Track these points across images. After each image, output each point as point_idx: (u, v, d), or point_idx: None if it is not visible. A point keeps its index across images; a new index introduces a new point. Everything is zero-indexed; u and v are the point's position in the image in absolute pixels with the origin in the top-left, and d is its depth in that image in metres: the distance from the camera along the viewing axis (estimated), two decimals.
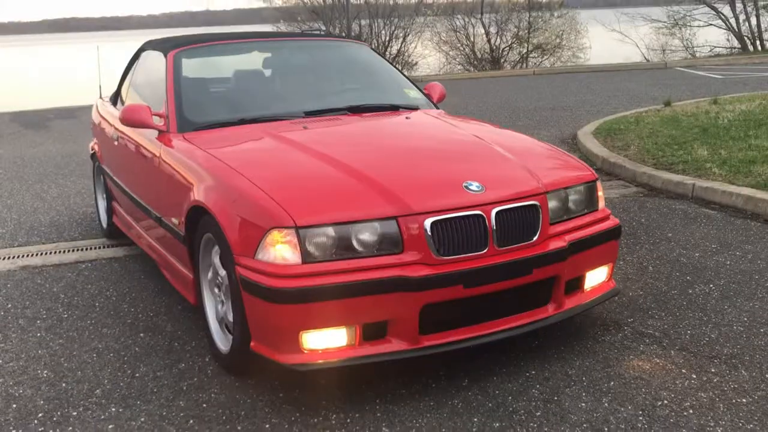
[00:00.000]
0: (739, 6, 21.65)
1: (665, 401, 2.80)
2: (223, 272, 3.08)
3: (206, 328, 3.31)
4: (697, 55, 21.65)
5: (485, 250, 2.85)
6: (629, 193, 6.10)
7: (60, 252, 5.07)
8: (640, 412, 2.72)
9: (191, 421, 2.80)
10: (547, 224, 3.02)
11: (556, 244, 3.03)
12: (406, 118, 3.94)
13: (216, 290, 3.23)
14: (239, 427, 2.74)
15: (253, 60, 4.37)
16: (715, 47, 22.15)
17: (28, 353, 3.45)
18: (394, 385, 2.98)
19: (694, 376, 2.98)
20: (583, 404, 2.79)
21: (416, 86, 4.48)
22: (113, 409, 2.91)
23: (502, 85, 15.67)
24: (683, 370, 3.03)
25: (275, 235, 2.70)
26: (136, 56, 4.86)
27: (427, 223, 2.77)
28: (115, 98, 5.08)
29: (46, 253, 5.05)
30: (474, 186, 2.94)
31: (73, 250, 5.10)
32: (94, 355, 3.41)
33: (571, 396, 2.86)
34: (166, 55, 4.09)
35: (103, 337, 3.61)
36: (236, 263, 2.82)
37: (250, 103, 4.02)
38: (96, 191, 5.61)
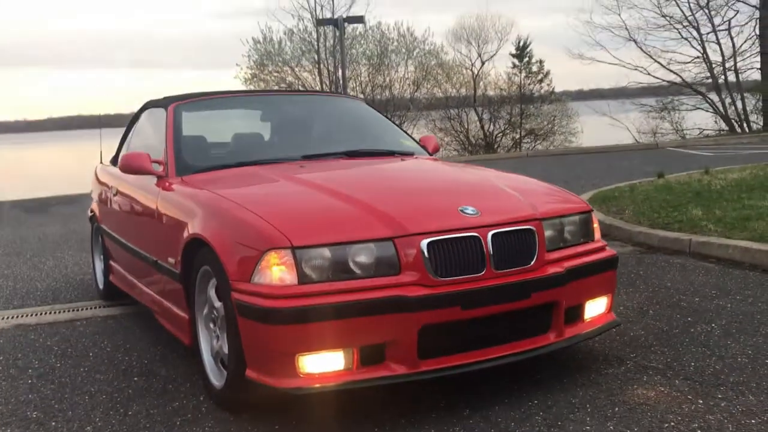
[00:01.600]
0: (724, 91, 22.32)
1: (672, 423, 2.72)
2: (218, 304, 3.05)
3: (201, 366, 3.24)
4: (687, 136, 22.12)
5: (482, 273, 2.84)
6: (626, 251, 6.11)
7: (55, 312, 5.02)
8: None
9: None
10: (543, 250, 3.03)
11: (553, 270, 3.02)
12: (402, 160, 4.01)
13: (211, 325, 3.19)
14: None
15: (251, 114, 4.47)
16: (704, 130, 22.66)
17: (18, 398, 3.37)
18: (393, 415, 2.90)
19: (701, 401, 2.91)
20: (588, 428, 2.71)
21: (411, 137, 4.58)
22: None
23: (495, 165, 15.90)
24: (689, 396, 2.96)
25: (272, 256, 2.70)
26: (136, 117, 4.98)
27: (424, 243, 2.77)
28: (116, 159, 5.16)
29: (41, 314, 5.00)
30: (469, 210, 2.96)
31: (68, 311, 5.06)
32: (86, 397, 3.33)
33: (575, 421, 2.78)
34: (166, 109, 4.19)
35: (96, 382, 3.53)
36: (233, 289, 2.80)
37: (249, 149, 4.09)
38: (93, 253, 5.61)
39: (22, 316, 4.98)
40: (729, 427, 2.67)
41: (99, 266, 5.43)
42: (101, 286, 5.34)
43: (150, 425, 2.96)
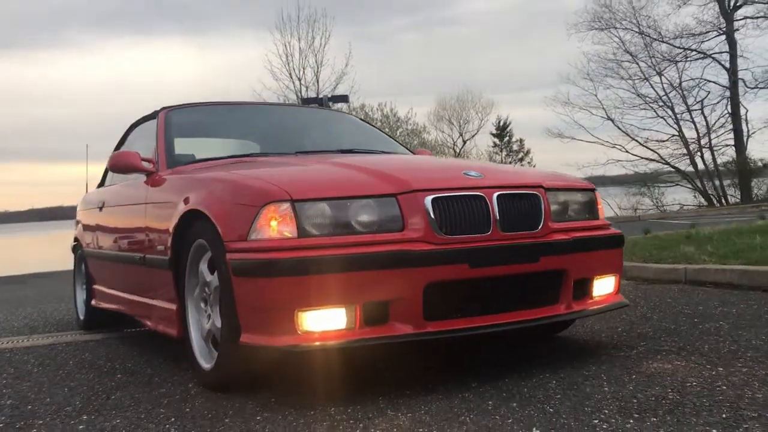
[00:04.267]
0: (701, 167, 22.77)
1: (694, 383, 2.57)
2: (210, 277, 2.91)
3: (190, 351, 3.05)
4: (667, 210, 22.40)
5: (489, 233, 2.74)
6: (622, 284, 5.99)
7: (33, 339, 4.78)
8: (669, 390, 2.48)
9: (173, 419, 2.50)
10: (549, 218, 2.94)
11: (560, 237, 2.93)
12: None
13: (202, 305, 3.03)
14: (227, 420, 2.44)
15: (243, 121, 4.41)
16: (684, 205, 22.97)
17: None
18: (397, 388, 2.72)
19: (721, 369, 2.76)
20: (606, 389, 2.55)
21: (406, 147, 4.54)
22: (85, 417, 2.60)
23: None
24: (707, 366, 2.81)
25: (270, 210, 2.58)
26: (125, 136, 4.91)
27: (428, 200, 2.67)
28: (103, 179, 5.08)
29: (17, 341, 4.75)
30: (473, 173, 2.89)
31: (47, 338, 4.82)
32: (65, 389, 3.11)
33: (592, 385, 2.61)
34: (157, 115, 4.14)
35: (76, 380, 3.31)
36: (228, 250, 2.66)
37: (241, 146, 4.02)
38: (75, 284, 5.43)
39: None
40: (755, 383, 2.52)
41: (80, 296, 5.25)
42: (82, 317, 5.13)
43: (134, 405, 2.74)
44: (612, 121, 23.40)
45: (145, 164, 3.74)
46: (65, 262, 5.63)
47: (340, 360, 2.91)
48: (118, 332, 4.72)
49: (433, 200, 2.68)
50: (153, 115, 4.29)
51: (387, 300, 2.57)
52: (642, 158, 23.36)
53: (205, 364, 2.94)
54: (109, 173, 5.04)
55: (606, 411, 2.27)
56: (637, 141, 23.38)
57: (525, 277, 2.81)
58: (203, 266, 2.98)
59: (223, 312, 2.72)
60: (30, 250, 32.93)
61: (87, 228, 5.00)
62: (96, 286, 4.76)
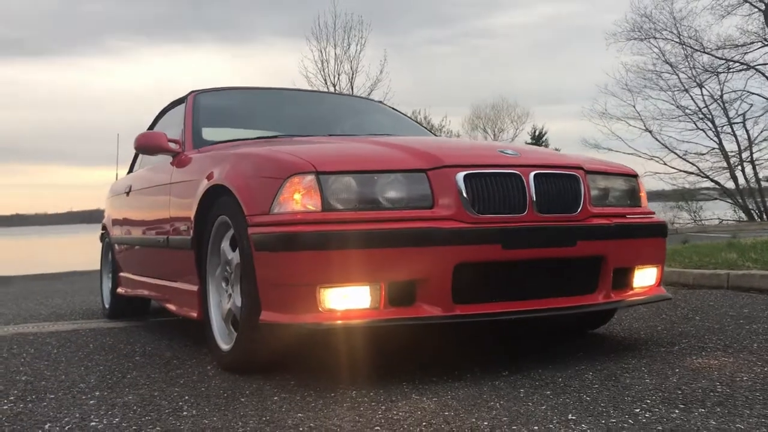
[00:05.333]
0: (742, 182, 22.24)
1: (744, 378, 2.38)
2: (232, 255, 2.80)
3: (209, 333, 2.95)
4: (706, 224, 21.89)
5: (524, 214, 2.59)
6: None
7: (58, 325, 4.73)
8: (718, 384, 2.30)
9: (186, 397, 2.39)
10: (588, 202, 2.77)
11: (600, 221, 2.76)
12: None
13: (223, 284, 2.92)
14: (243, 399, 2.32)
15: (273, 106, 4.32)
16: (724, 220, 22.43)
17: (8, 369, 3.06)
18: (423, 374, 2.57)
19: None
20: (648, 380, 2.37)
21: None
22: (97, 393, 2.51)
23: None
24: (758, 362, 2.62)
25: (294, 182, 2.46)
26: (155, 121, 4.86)
27: (460, 176, 2.53)
28: (132, 165, 5.04)
29: (42, 327, 4.70)
30: (509, 151, 2.74)
31: (71, 324, 4.77)
32: (82, 368, 3.02)
33: (632, 377, 2.44)
34: (186, 99, 4.07)
35: (93, 360, 3.22)
36: (250, 225, 2.55)
37: (270, 127, 3.92)
38: (102, 273, 5.38)
39: (23, 328, 4.69)
40: None
41: (107, 285, 5.19)
42: (107, 305, 5.08)
43: (149, 384, 2.64)
44: (650, 132, 22.96)
45: (171, 145, 3.66)
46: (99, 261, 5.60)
47: (363, 344, 2.78)
48: (143, 321, 4.66)
49: (466, 177, 2.54)
50: (182, 100, 4.22)
51: (414, 280, 2.43)
52: (680, 171, 22.86)
53: (225, 346, 2.83)
54: (138, 160, 4.99)
55: (648, 401, 2.10)
56: (675, 153, 22.90)
57: (561, 262, 2.65)
58: (225, 244, 2.87)
59: (244, 289, 2.61)
60: (66, 251, 33.39)
61: (114, 215, 4.95)
62: (122, 274, 4.70)
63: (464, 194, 2.52)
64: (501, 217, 2.55)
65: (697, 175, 22.90)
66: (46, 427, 2.08)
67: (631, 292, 2.90)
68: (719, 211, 22.95)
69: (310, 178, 2.46)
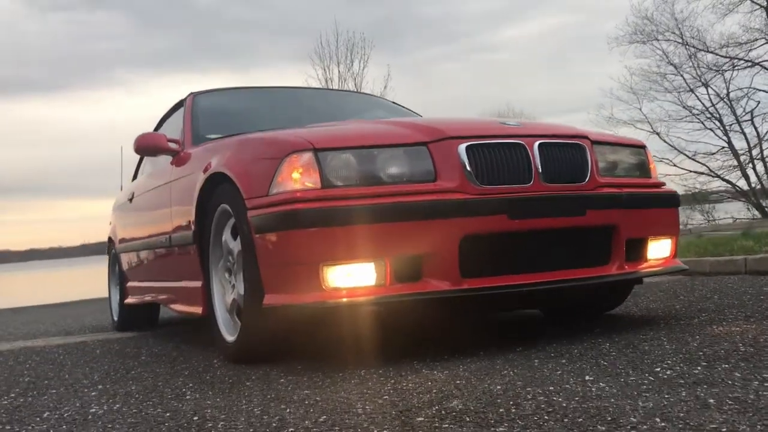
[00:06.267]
0: (754, 179, 22.01)
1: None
2: (233, 244, 2.74)
3: (214, 325, 2.88)
4: (719, 223, 21.66)
5: (530, 184, 2.51)
6: (674, 279, 5.66)
7: (67, 338, 4.67)
8: (740, 345, 2.20)
9: (190, 384, 2.32)
10: (596, 170, 2.70)
11: (610, 190, 2.69)
12: None
13: (227, 275, 2.86)
14: (248, 383, 2.24)
15: (271, 104, 4.27)
16: (737, 219, 22.18)
17: (12, 372, 3.01)
18: (433, 353, 2.49)
19: None
20: (668, 347, 2.28)
21: None
22: (100, 387, 2.44)
23: None
24: None
25: (292, 160, 2.40)
26: (157, 128, 4.82)
27: (462, 147, 2.46)
28: (135, 173, 5.01)
29: (50, 341, 4.65)
30: (512, 122, 2.68)
31: (80, 337, 4.71)
32: (87, 368, 2.96)
33: (650, 344, 2.35)
34: (185, 100, 4.04)
35: (98, 363, 3.16)
36: (249, 208, 2.49)
37: (270, 125, 3.86)
38: (110, 285, 5.34)
39: (30, 342, 4.64)
40: None
41: (115, 297, 5.15)
42: (116, 318, 5.03)
43: (153, 376, 2.57)
44: (658, 135, 22.79)
45: (171, 145, 3.62)
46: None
47: (370, 326, 2.70)
48: (152, 331, 4.60)
49: (468, 148, 2.47)
50: (182, 103, 4.19)
51: (419, 254, 2.36)
52: (690, 171, 22.65)
53: (230, 337, 2.76)
54: (141, 167, 4.94)
55: (669, 362, 2.01)
56: (685, 154, 22.69)
57: (571, 231, 2.57)
58: (227, 234, 2.81)
59: (246, 276, 2.54)
60: (79, 282, 33.44)
61: (118, 224, 4.91)
62: (128, 284, 4.65)
63: (467, 166, 2.45)
64: (506, 188, 2.48)
65: (708, 174, 22.68)
66: (45, 415, 2.01)
67: (645, 264, 2.81)
68: (733, 211, 22.72)
69: (308, 156, 2.40)
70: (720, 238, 7.81)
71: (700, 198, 22.91)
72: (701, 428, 1.32)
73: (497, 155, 2.50)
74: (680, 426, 1.35)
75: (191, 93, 4.08)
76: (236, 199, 2.61)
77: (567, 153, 2.63)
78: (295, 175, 2.39)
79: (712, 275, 5.54)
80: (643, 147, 3.05)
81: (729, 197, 23.00)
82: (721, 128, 22.74)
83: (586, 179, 2.64)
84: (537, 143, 2.57)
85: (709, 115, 22.73)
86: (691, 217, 22.70)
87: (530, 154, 2.54)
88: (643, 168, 2.99)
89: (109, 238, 5.28)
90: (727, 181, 22.84)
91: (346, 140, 2.48)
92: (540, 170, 2.54)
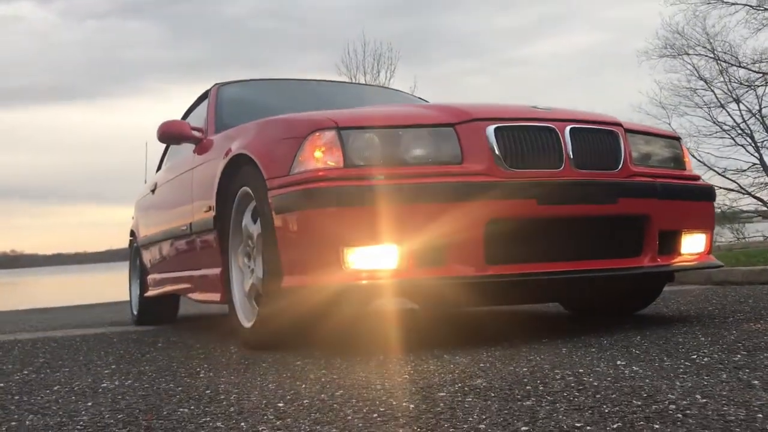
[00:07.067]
0: None
1: None
2: (253, 227, 2.68)
3: (232, 311, 2.82)
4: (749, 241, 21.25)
5: (560, 169, 2.42)
6: (705, 288, 5.50)
7: (86, 330, 4.65)
8: None
9: (205, 365, 2.26)
10: (629, 158, 2.60)
11: (643, 179, 2.59)
12: None
13: (246, 260, 2.80)
14: (264, 365, 2.17)
15: (296, 96, 4.23)
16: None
17: (27, 356, 2.97)
18: (455, 342, 2.40)
19: None
20: (703, 339, 2.17)
21: None
22: (113, 366, 2.39)
23: None
24: None
25: (314, 138, 2.34)
26: (183, 118, 4.79)
27: (490, 129, 2.38)
28: (159, 164, 5.00)
29: (69, 332, 4.63)
30: (543, 107, 2.59)
31: (99, 329, 4.68)
32: (102, 353, 2.92)
33: (684, 337, 2.24)
34: (210, 91, 4.01)
35: (115, 349, 3.11)
36: (270, 188, 2.43)
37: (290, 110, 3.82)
38: (131, 279, 5.32)
39: (50, 333, 4.62)
40: None
41: (135, 291, 5.12)
42: (135, 312, 5.00)
43: (168, 359, 2.51)
44: (687, 150, 22.47)
45: (194, 133, 3.58)
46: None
47: (392, 317, 2.62)
48: (171, 324, 4.56)
49: (497, 129, 2.39)
50: (207, 94, 4.16)
51: (443, 238, 2.27)
52: (720, 188, 22.26)
53: (247, 323, 2.69)
54: (165, 160, 4.91)
55: (705, 350, 1.91)
56: (714, 171, 22.33)
57: (602, 220, 2.48)
58: (247, 218, 2.76)
59: (265, 257, 2.48)
60: (104, 286, 33.73)
61: (141, 217, 4.89)
62: (149, 276, 4.62)
63: (495, 148, 2.37)
64: (535, 172, 2.39)
65: (738, 191, 22.30)
66: (55, 388, 1.96)
67: (679, 258, 2.70)
68: (763, 230, 22.31)
69: (331, 134, 2.33)
70: (752, 252, 7.62)
71: (730, 216, 22.54)
72: (747, 404, 1.23)
73: (527, 139, 2.42)
74: (723, 402, 1.25)
75: (216, 84, 4.06)
76: (257, 180, 2.55)
77: (599, 139, 2.54)
78: (318, 153, 2.33)
79: (744, 284, 5.38)
80: (678, 139, 2.95)
81: (758, 216, 22.58)
82: (753, 145, 22.37)
83: (619, 167, 2.55)
84: (568, 128, 2.48)
85: (740, 131, 22.37)
86: (720, 234, 22.32)
87: (561, 138, 2.45)
88: (677, 160, 2.89)
89: (132, 232, 5.26)
90: (759, 199, 22.42)
91: (371, 120, 2.42)
92: (571, 156, 2.45)
